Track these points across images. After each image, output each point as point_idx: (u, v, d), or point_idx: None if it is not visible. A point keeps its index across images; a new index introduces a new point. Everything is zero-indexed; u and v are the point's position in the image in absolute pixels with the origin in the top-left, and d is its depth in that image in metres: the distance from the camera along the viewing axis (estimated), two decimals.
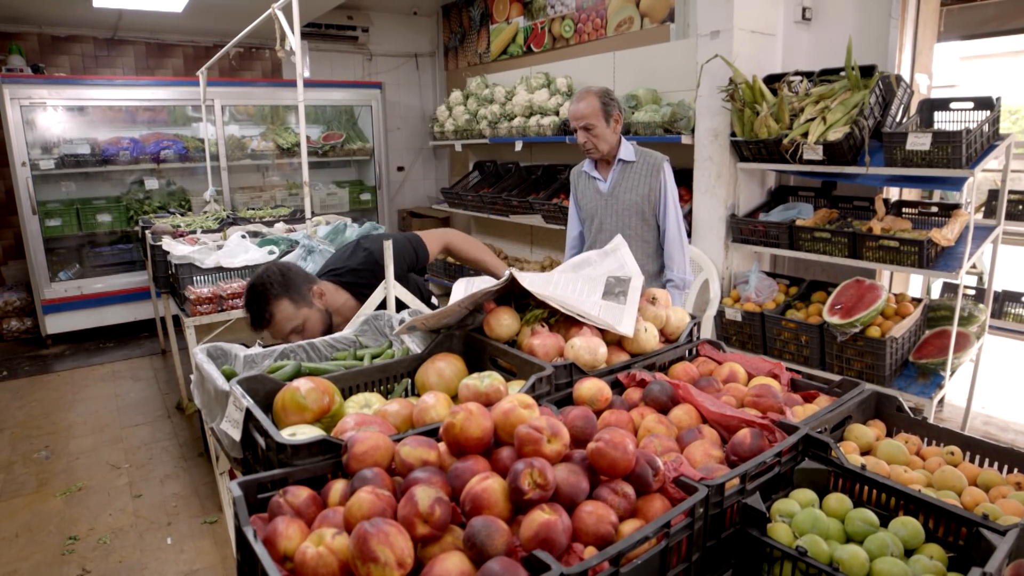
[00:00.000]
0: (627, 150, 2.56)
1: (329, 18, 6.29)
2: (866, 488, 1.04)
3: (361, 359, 1.58)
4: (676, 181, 3.19)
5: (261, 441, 1.10)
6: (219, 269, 3.15)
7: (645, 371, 1.39)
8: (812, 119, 2.96)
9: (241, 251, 3.25)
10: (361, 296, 2.12)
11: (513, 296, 1.57)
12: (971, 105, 2.77)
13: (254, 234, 3.70)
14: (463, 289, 1.57)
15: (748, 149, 3.19)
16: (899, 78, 2.96)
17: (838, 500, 1.01)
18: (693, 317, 1.66)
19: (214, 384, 1.32)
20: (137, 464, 3.37)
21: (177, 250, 3.20)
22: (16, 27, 5.47)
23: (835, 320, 2.79)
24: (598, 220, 2.62)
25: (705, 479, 0.96)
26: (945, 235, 2.68)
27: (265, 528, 0.89)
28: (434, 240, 2.37)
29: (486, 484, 0.90)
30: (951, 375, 2.76)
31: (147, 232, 4.03)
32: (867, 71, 2.93)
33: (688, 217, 3.56)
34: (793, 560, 0.90)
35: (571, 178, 2.80)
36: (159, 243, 3.45)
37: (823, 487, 1.07)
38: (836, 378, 1.43)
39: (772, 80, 3.21)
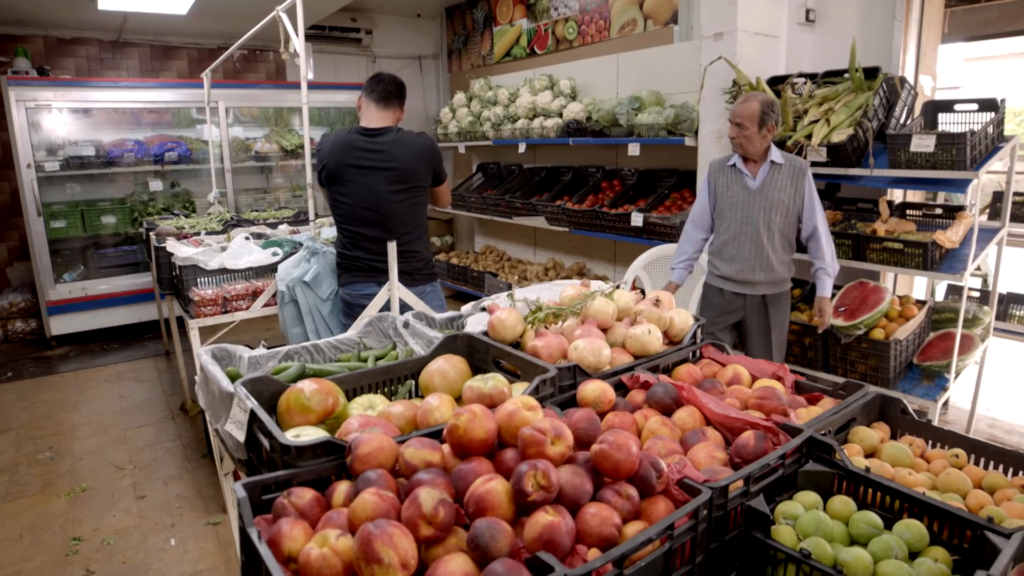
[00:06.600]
0: (777, 154, 2.73)
1: (333, 20, 6.30)
2: (870, 491, 1.04)
3: (365, 361, 1.59)
4: (680, 184, 3.18)
5: (265, 442, 1.11)
6: (223, 271, 3.16)
7: (649, 373, 1.38)
8: (816, 121, 2.96)
9: (245, 253, 3.25)
10: None
11: None
12: (975, 107, 2.76)
13: (258, 236, 3.71)
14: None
15: None
16: (903, 80, 2.96)
17: (842, 502, 1.01)
18: (696, 319, 1.66)
19: (218, 385, 1.32)
20: (141, 465, 3.37)
21: (181, 252, 3.20)
22: (22, 30, 5.50)
23: (839, 322, 2.78)
24: (743, 213, 2.75)
25: (709, 481, 0.96)
26: (949, 237, 2.68)
27: (269, 529, 0.90)
28: None
29: (490, 486, 0.90)
30: (956, 377, 2.75)
31: (151, 234, 4.04)
32: (871, 73, 2.93)
33: None
34: (797, 562, 0.90)
35: (710, 169, 2.88)
36: (163, 245, 3.46)
37: (827, 489, 1.07)
38: (840, 380, 1.43)
39: (776, 82, 3.21)
